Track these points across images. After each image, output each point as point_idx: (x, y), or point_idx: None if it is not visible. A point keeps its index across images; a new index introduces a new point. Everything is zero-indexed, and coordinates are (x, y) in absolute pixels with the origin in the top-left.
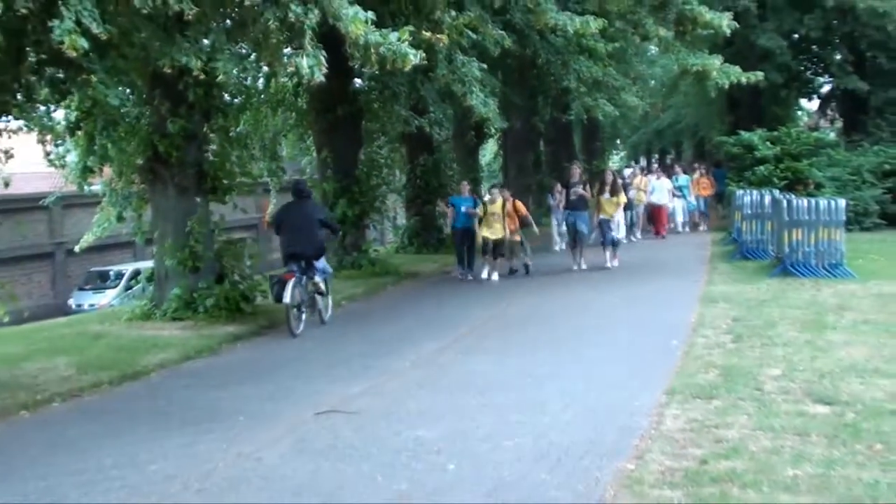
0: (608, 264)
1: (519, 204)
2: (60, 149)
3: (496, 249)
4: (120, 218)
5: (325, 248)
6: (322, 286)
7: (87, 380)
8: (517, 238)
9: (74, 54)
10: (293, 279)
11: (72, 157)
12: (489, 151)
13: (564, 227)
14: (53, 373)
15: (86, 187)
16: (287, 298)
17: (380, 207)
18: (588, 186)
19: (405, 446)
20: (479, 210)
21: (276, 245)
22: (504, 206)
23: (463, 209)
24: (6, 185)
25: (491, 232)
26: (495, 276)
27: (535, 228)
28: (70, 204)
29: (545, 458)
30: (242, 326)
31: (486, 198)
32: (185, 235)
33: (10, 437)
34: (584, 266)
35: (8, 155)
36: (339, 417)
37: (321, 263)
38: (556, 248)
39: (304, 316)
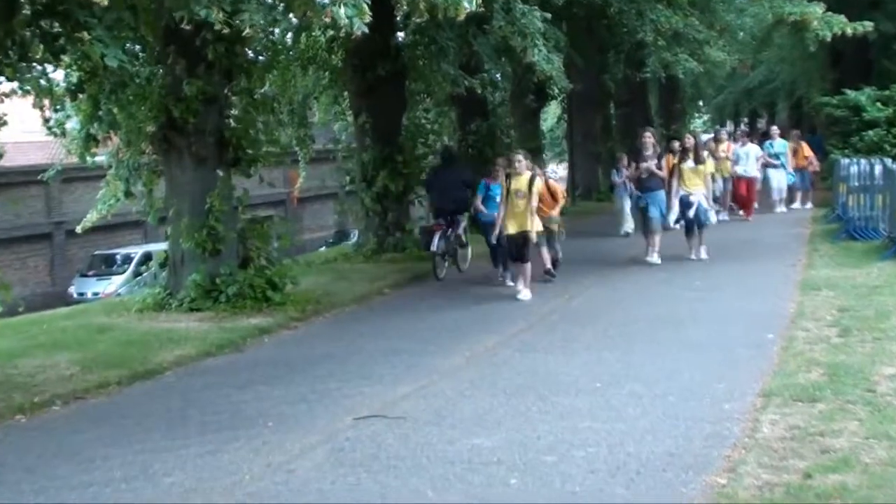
0: (693, 255)
1: (555, 186)
2: (60, 115)
3: (520, 250)
4: (128, 194)
5: (468, 205)
6: (463, 238)
7: (92, 379)
8: (554, 226)
9: (106, 3)
10: (440, 231)
11: (73, 124)
12: (551, 115)
13: (631, 209)
14: (53, 371)
15: (89, 158)
16: (434, 247)
17: (425, 180)
18: (663, 159)
19: (459, 457)
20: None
21: (306, 225)
22: (532, 182)
23: (498, 199)
24: None
25: (513, 223)
26: (525, 292)
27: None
28: (70, 178)
29: (621, 471)
30: (270, 318)
31: (504, 171)
32: (203, 213)
33: (5, 446)
34: (656, 259)
35: (0, 122)
36: (382, 423)
37: (463, 220)
38: (622, 231)
39: (446, 264)
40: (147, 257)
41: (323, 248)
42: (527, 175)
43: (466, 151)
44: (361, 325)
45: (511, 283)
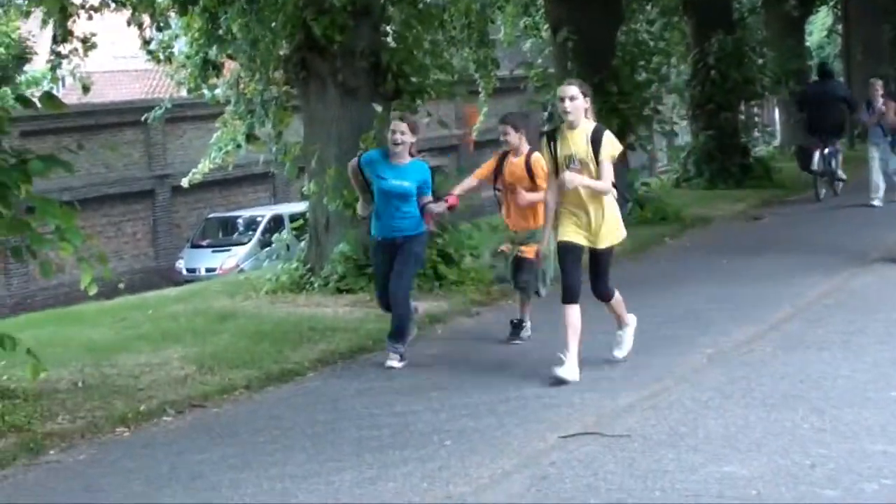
0: None
1: (538, 159)
2: (165, 35)
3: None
4: (251, 137)
5: (843, 125)
6: (839, 171)
7: (213, 382)
8: (531, 250)
9: None
10: (818, 150)
11: (181, 47)
12: (819, 27)
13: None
14: (163, 371)
15: (206, 91)
16: (814, 166)
17: (650, 117)
18: None
19: (706, 489)
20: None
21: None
22: (598, 140)
23: (398, 187)
24: (85, 90)
25: (571, 221)
26: (567, 370)
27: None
28: (176, 117)
29: None
30: (443, 302)
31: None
32: None
33: (104, 466)
34: None
35: (87, 45)
36: (598, 443)
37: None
38: (876, 201)
39: (825, 186)
40: (278, 222)
41: None
42: (587, 127)
43: (705, 75)
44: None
45: (397, 364)
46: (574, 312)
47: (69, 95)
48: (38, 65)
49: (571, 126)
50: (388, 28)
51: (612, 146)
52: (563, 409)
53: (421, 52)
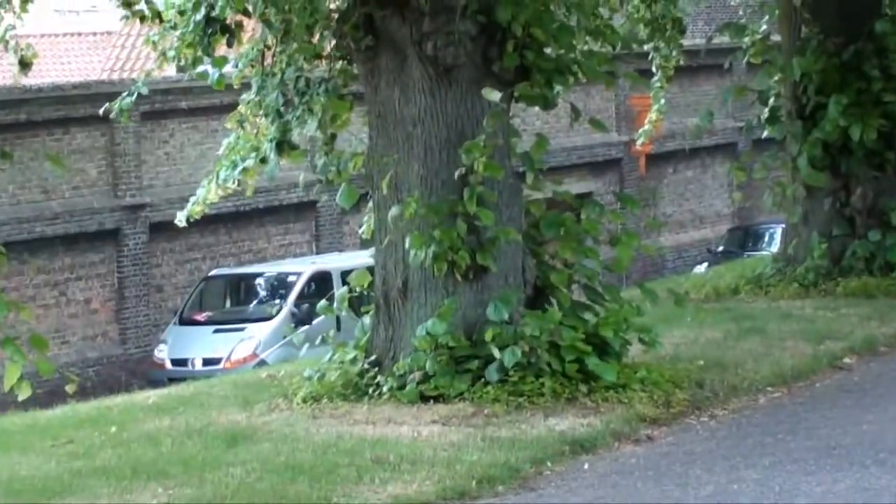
0: None
1: None
2: None
3: None
4: (283, 145)
5: None
6: None
7: None
8: None
9: None
10: None
11: None
12: None
13: None
14: None
15: (208, 70)
16: None
17: None
18: None
19: None
20: None
21: (668, 213)
22: None
23: None
24: (24, 66)
25: None
26: None
27: None
28: (157, 111)
29: None
30: (594, 418)
31: None
32: (451, 186)
33: None
34: None
35: None
36: None
37: None
38: None
39: None
40: (323, 283)
41: (703, 266)
42: None
43: None
44: (795, 433)
45: None
46: None
47: None
48: None
49: None
50: None
51: None
52: None
53: (561, 8)
